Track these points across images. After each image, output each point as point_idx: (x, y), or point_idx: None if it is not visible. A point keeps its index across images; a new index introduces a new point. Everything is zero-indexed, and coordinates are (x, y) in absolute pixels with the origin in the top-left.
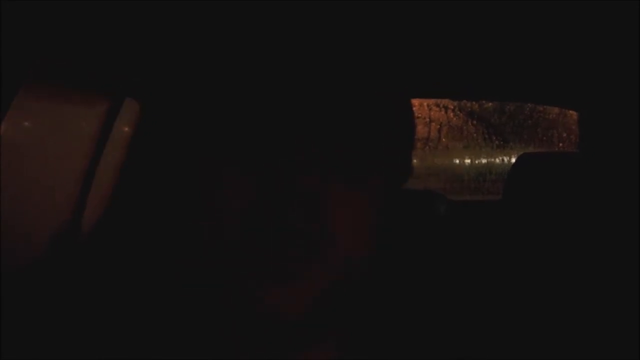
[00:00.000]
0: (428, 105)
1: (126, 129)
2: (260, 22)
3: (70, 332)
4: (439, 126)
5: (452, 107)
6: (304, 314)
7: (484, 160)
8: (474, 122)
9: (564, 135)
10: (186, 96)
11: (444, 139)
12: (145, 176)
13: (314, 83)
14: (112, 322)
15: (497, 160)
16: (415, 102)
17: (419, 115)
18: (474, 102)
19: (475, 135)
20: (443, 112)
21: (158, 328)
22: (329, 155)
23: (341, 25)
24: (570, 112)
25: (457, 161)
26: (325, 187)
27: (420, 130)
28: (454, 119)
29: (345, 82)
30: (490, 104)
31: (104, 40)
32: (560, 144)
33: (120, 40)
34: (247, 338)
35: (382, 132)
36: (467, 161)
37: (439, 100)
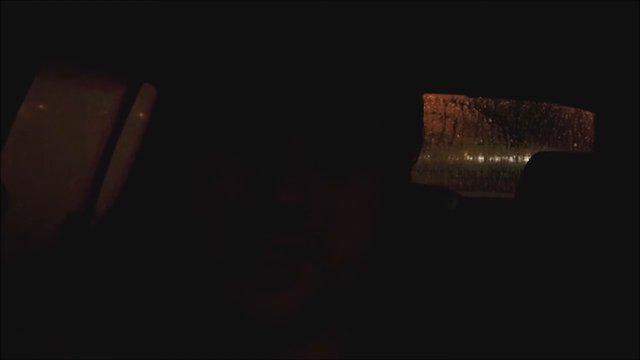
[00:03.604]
0: (444, 101)
1: (142, 115)
2: (265, 15)
3: (71, 330)
4: (454, 122)
5: (467, 104)
6: (297, 314)
7: (497, 158)
8: (490, 119)
9: (579, 135)
10: (193, 88)
11: (458, 135)
12: (159, 164)
13: (316, 77)
14: (112, 321)
15: (511, 159)
16: (431, 97)
17: (435, 110)
18: (490, 100)
19: (490, 132)
20: (459, 108)
21: (155, 327)
22: (326, 151)
23: (352, 19)
24: (586, 112)
25: (471, 158)
26: (322, 186)
27: (435, 125)
28: (470, 115)
29: (349, 77)
30: (506, 101)
31: (124, 23)
32: (575, 145)
33: (141, 22)
34: (243, 338)
35: (386, 127)
36: (481, 158)
37: (455, 96)
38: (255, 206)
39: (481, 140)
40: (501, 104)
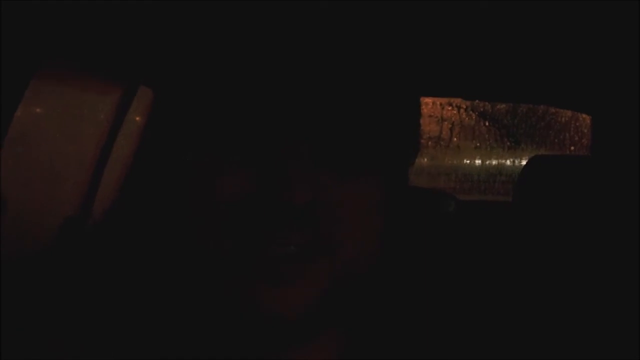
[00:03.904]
0: (441, 104)
1: (138, 118)
2: (266, 17)
3: (71, 330)
4: (450, 125)
5: (464, 107)
6: (303, 313)
7: (494, 161)
8: (486, 122)
9: (576, 138)
10: (191, 90)
11: (455, 139)
12: (156, 167)
13: (316, 79)
14: (112, 321)
15: (508, 162)
16: (428, 100)
17: (431, 113)
18: (486, 103)
19: (487, 135)
20: (455, 112)
21: (156, 327)
22: (330, 152)
23: (351, 21)
24: (583, 115)
25: (468, 161)
26: (326, 184)
27: (432, 129)
28: (466, 118)
29: (348, 79)
30: (503, 105)
31: (120, 26)
32: (572, 148)
33: (137, 25)
34: (245, 337)
35: (385, 128)
36: (478, 162)
37: (451, 100)
38: (263, 205)
39: (478, 144)
40: (498, 107)
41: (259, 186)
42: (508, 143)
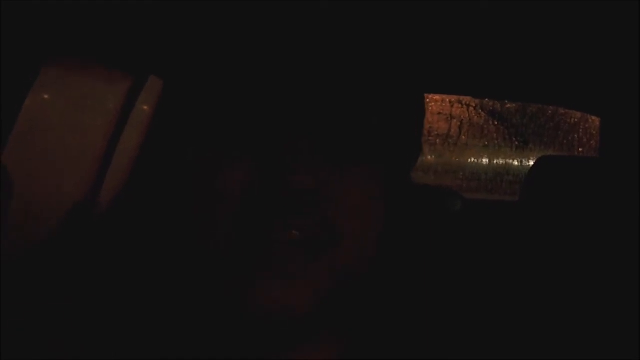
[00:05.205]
0: (450, 102)
1: (146, 108)
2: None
3: (71, 330)
4: (459, 123)
5: (474, 105)
6: (303, 313)
7: (502, 161)
8: (495, 121)
9: (585, 140)
10: (199, 83)
11: (463, 137)
12: (163, 158)
13: (319, 75)
14: (112, 321)
15: (516, 162)
16: (437, 97)
17: (440, 111)
18: (496, 102)
19: (495, 135)
20: (465, 110)
21: (156, 327)
22: (331, 149)
23: (353, 20)
24: (592, 117)
25: (476, 160)
26: (327, 179)
27: (441, 126)
28: (476, 117)
29: (353, 75)
30: (512, 104)
31: (131, 16)
32: (581, 149)
33: (148, 16)
34: (246, 337)
35: (387, 125)
36: (486, 160)
37: (461, 98)
38: (267, 192)
39: (486, 142)
40: (507, 106)
41: (264, 177)
42: (516, 143)
